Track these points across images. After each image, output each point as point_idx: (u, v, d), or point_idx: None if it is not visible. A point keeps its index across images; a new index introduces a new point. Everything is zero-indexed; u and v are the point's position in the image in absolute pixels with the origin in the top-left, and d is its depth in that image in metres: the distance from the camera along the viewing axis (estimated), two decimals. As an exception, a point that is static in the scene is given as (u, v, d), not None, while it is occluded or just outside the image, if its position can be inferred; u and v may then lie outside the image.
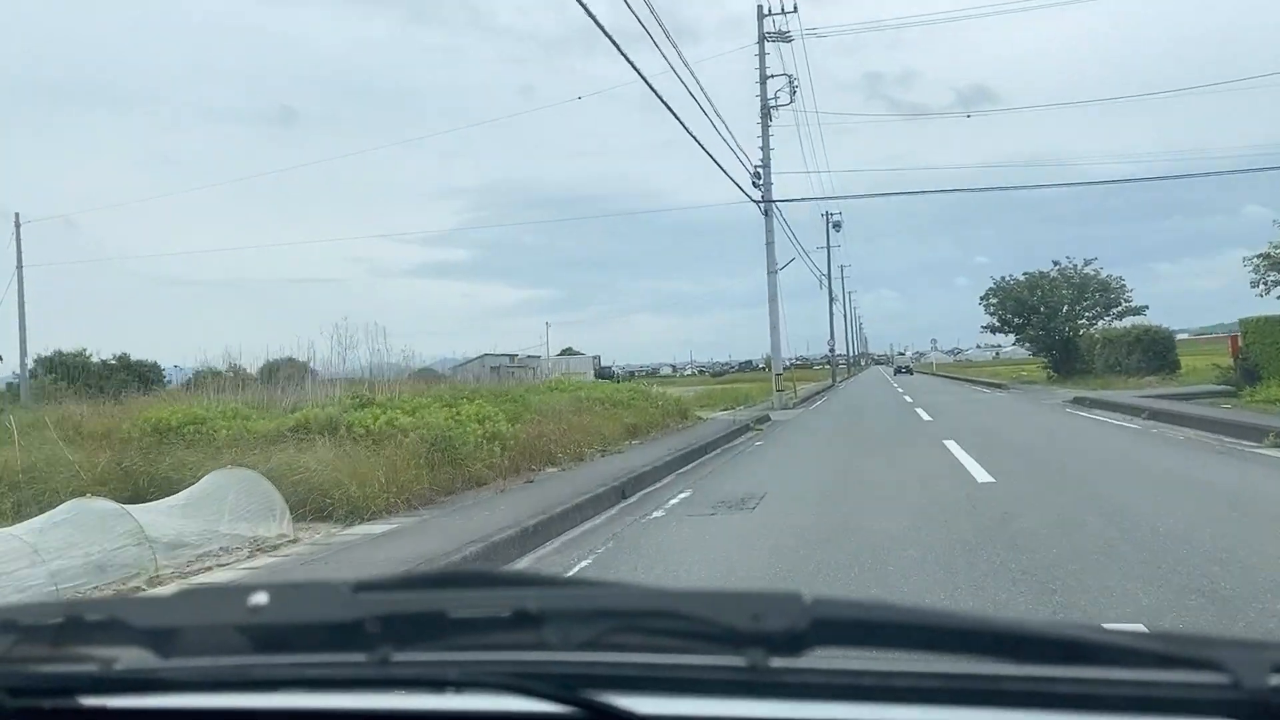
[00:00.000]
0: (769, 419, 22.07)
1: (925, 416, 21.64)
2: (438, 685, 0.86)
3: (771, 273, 28.50)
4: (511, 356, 77.32)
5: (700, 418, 21.57)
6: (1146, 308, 38.24)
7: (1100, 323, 38.04)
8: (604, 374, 77.71)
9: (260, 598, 0.85)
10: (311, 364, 16.79)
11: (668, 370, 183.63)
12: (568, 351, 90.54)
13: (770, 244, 27.98)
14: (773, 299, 28.93)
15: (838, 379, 56.10)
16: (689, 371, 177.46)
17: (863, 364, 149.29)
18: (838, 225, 52.92)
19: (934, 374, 64.41)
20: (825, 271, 52.10)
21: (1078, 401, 22.93)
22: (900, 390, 36.83)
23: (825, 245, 52.50)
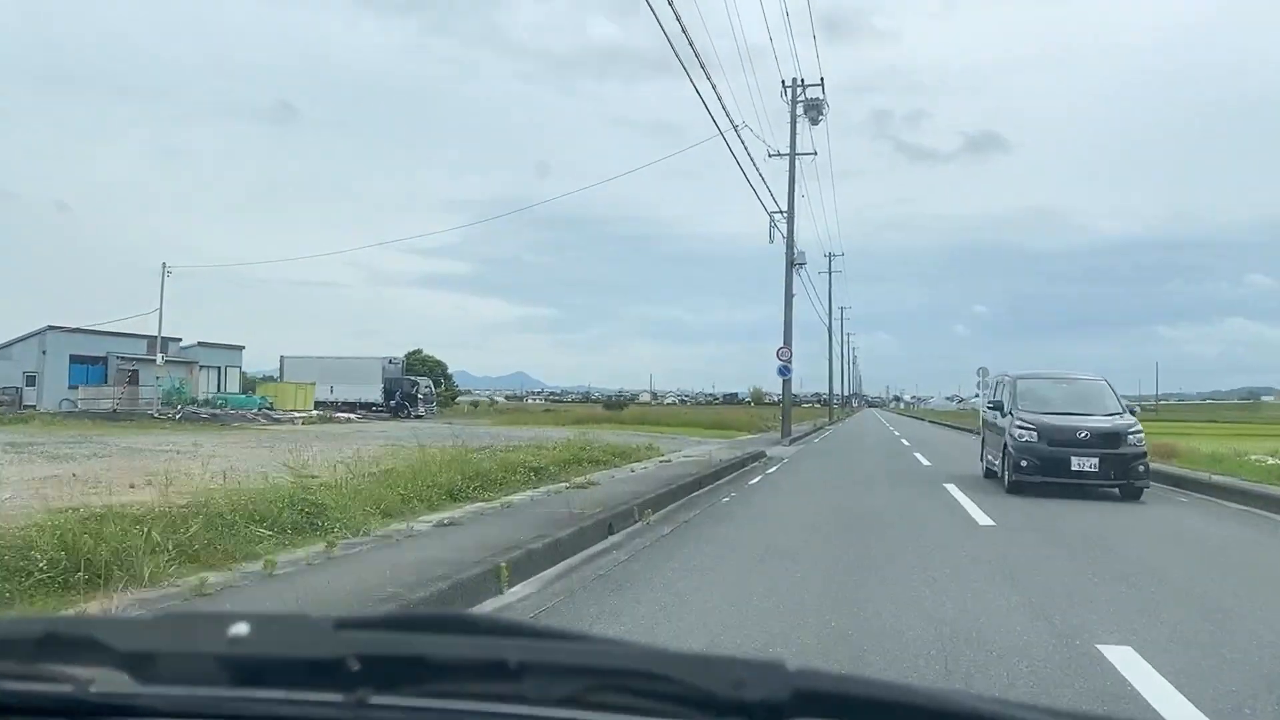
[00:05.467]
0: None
1: None
2: None
3: None
4: (135, 338, 38.82)
5: None
6: None
7: None
8: (396, 389, 47.74)
9: (240, 628, 0.83)
10: None
11: (646, 397, 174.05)
12: (416, 357, 66.38)
13: None
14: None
15: (789, 437, 33.14)
16: (670, 400, 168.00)
17: (855, 405, 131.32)
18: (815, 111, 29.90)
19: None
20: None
21: None
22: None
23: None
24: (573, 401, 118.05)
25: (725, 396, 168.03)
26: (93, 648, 0.85)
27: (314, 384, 45.40)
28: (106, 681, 0.84)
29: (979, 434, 16.92)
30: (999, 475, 13.33)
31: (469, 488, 11.08)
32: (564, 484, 12.57)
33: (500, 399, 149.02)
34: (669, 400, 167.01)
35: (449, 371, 70.87)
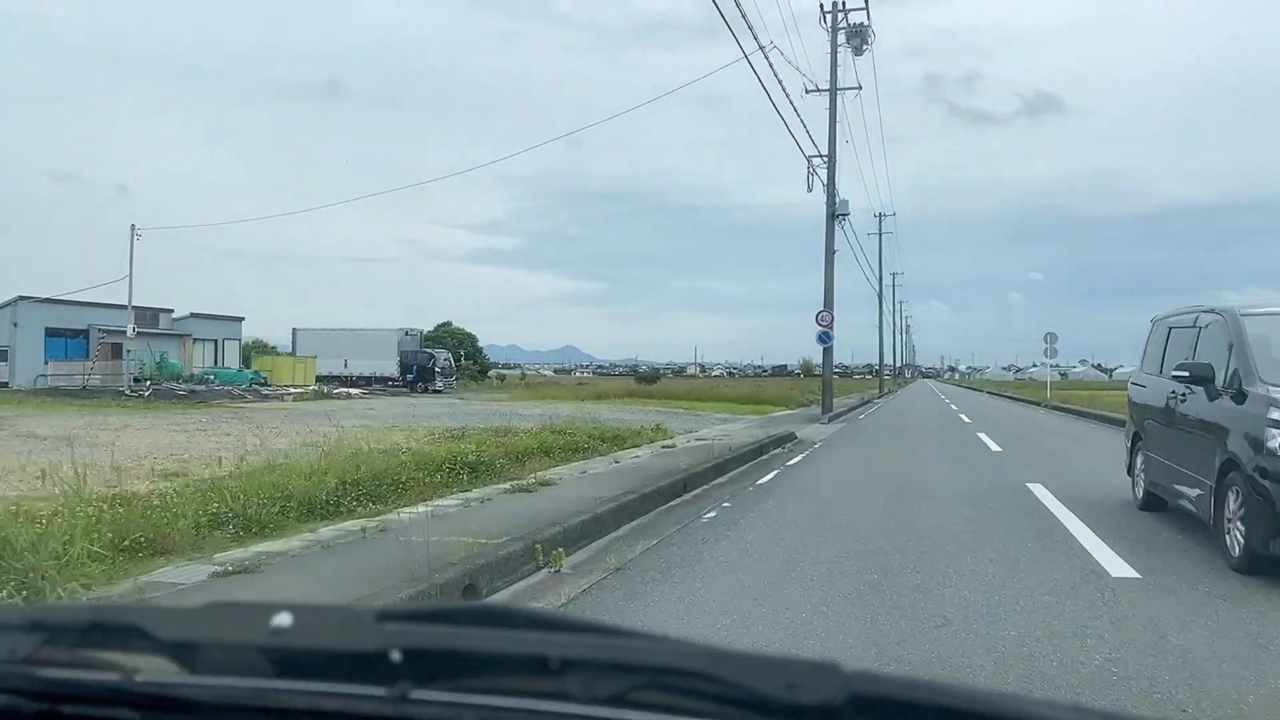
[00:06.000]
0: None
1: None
2: None
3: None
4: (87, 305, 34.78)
5: None
6: None
7: None
8: (412, 362, 45.24)
9: (284, 619, 0.84)
10: None
11: (694, 370, 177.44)
12: (445, 329, 62.23)
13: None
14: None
15: (829, 414, 29.62)
16: (718, 373, 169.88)
17: (908, 376, 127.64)
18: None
19: None
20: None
21: None
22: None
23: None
24: (619, 375, 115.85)
25: (774, 369, 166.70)
26: (138, 636, 0.86)
27: (315, 357, 42.62)
28: (152, 670, 0.85)
29: (1129, 424, 9.14)
30: (1208, 519, 6.40)
31: (349, 498, 7.85)
32: (508, 484, 9.32)
33: (548, 372, 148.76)
34: (716, 373, 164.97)
35: (480, 344, 68.09)
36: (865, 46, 26.47)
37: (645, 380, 55.14)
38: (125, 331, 33.58)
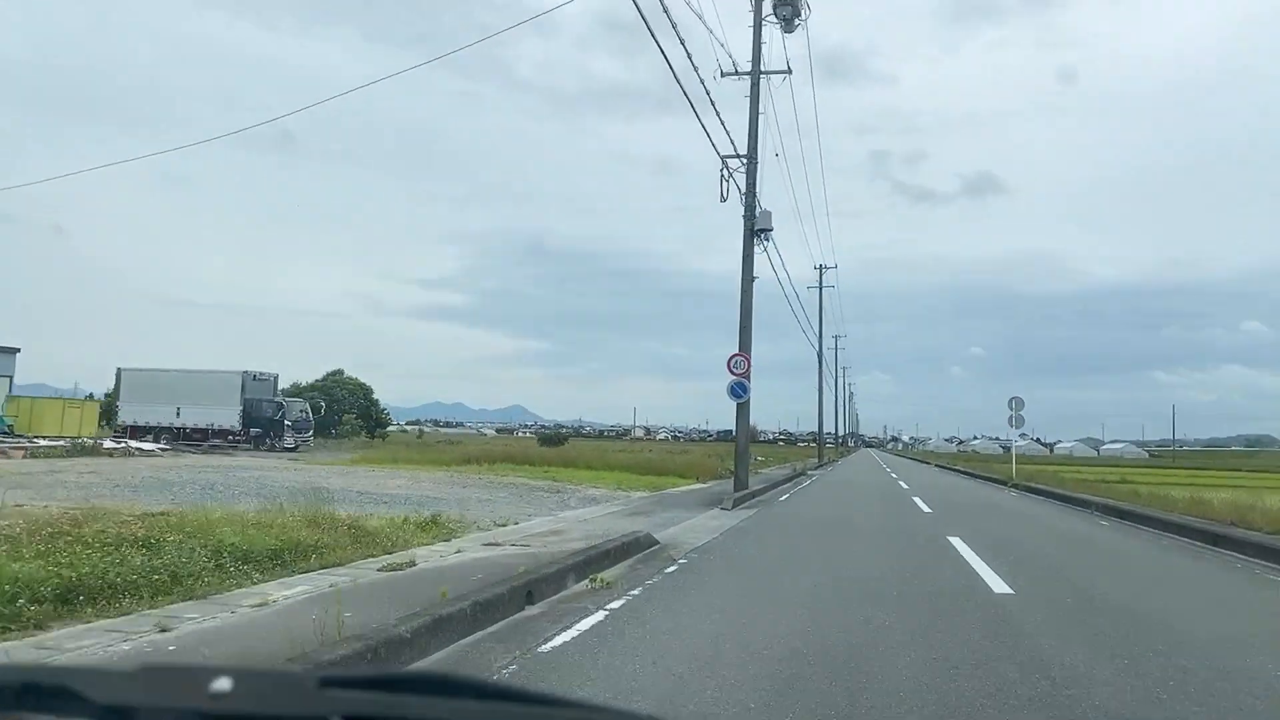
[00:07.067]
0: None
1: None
2: None
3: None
4: None
5: None
6: None
7: None
8: (257, 412, 35.65)
9: (223, 684, 0.81)
10: None
11: (639, 432, 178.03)
12: (335, 379, 56.87)
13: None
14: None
15: (741, 491, 23.32)
16: (662, 436, 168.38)
17: (851, 444, 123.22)
18: None
19: None
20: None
21: None
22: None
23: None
24: (562, 434, 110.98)
25: (719, 433, 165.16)
26: (71, 699, 0.82)
27: (96, 402, 35.35)
28: None
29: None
30: None
31: None
32: None
33: (489, 432, 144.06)
34: (661, 436, 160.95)
35: (376, 396, 60.64)
36: (797, 20, 20.72)
37: (551, 442, 48.45)
38: None
